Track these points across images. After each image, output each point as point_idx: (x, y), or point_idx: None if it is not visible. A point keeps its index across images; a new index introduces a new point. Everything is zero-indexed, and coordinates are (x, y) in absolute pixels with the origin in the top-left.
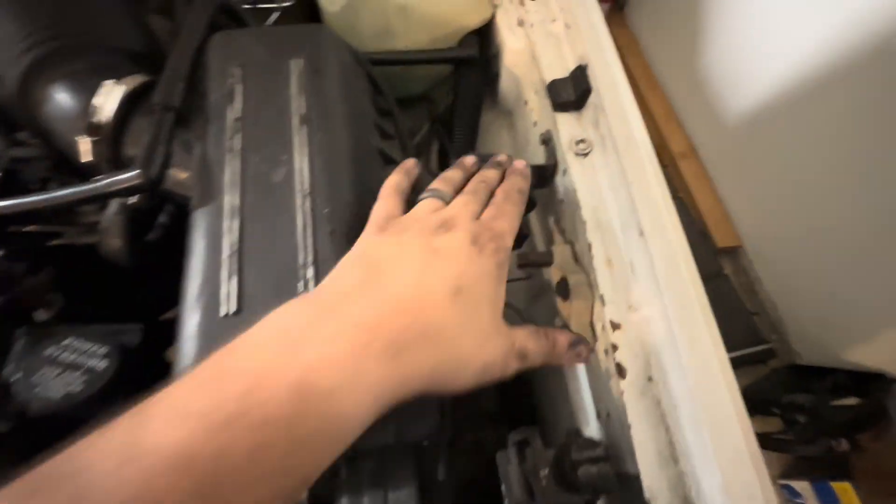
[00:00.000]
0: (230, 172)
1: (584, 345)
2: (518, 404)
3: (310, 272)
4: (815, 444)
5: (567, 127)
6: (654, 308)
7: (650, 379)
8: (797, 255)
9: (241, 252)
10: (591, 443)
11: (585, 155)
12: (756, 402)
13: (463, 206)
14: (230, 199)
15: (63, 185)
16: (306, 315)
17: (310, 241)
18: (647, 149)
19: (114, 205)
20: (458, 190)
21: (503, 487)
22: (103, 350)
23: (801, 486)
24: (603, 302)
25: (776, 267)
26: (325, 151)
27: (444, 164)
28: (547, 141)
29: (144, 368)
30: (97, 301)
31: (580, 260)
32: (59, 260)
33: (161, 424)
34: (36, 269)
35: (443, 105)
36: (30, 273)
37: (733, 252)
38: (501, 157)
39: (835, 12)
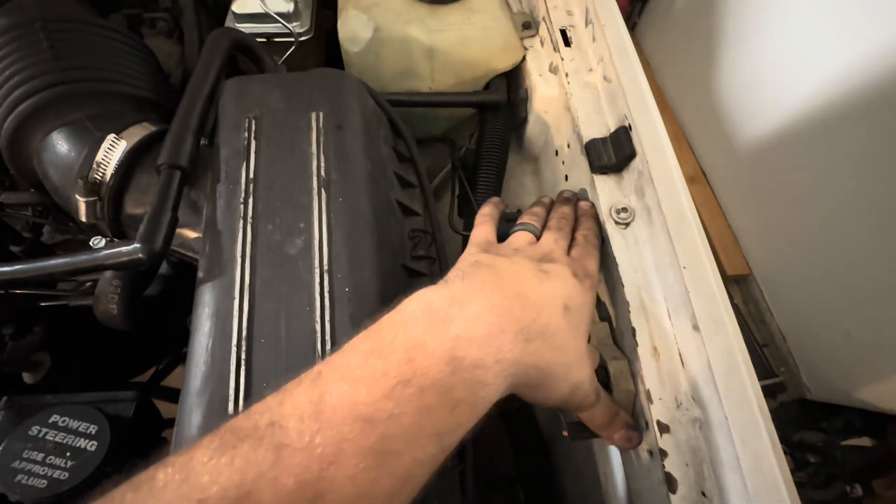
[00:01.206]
0: (241, 242)
1: (637, 433)
2: (534, 469)
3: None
4: (828, 488)
5: (606, 192)
6: (711, 412)
7: (703, 494)
8: (809, 286)
9: (250, 338)
10: None
11: (627, 225)
12: None
13: (555, 242)
14: (240, 273)
15: (56, 230)
16: (448, 297)
17: (328, 326)
18: (699, 229)
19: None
20: (544, 224)
21: None
22: (93, 429)
23: None
24: (649, 398)
25: (787, 298)
26: (346, 220)
27: (462, 209)
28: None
29: (139, 433)
30: (89, 360)
31: (619, 342)
32: (50, 320)
33: (340, 388)
34: (24, 330)
35: (464, 147)
36: (17, 335)
37: (743, 280)
38: (567, 193)
39: (859, 42)
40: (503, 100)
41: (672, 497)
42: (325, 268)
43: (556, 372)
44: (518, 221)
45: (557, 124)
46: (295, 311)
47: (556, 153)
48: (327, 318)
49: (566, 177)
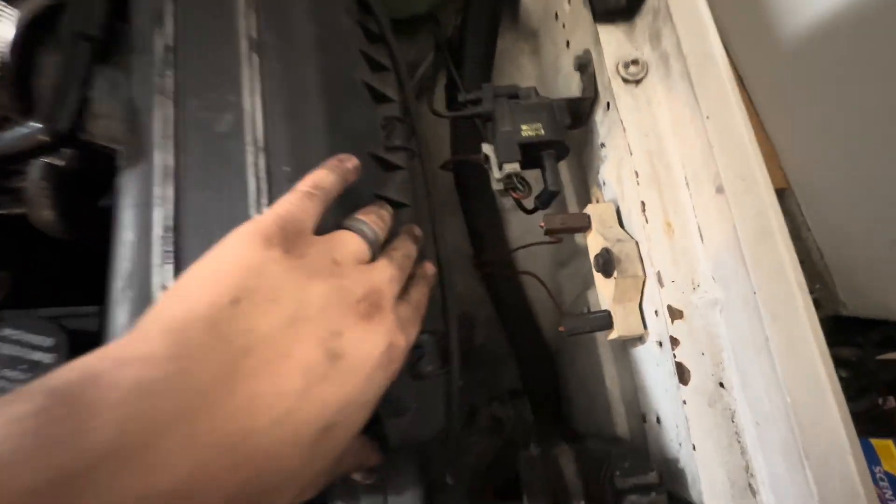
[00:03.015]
0: (162, 121)
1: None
2: (540, 379)
3: None
4: (859, 400)
5: (613, 44)
6: (736, 289)
7: (721, 385)
8: (852, 197)
9: (177, 228)
10: (641, 465)
11: (638, 82)
12: None
13: (389, 281)
14: (162, 157)
15: None
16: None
17: (265, 210)
18: (727, 69)
19: (36, 168)
20: (386, 237)
21: (525, 498)
22: (48, 342)
23: None
24: (660, 281)
25: (827, 211)
26: (285, 89)
27: (452, 101)
28: (584, 66)
29: None
30: (54, 279)
31: (627, 223)
32: None
33: None
34: None
35: (452, 28)
36: None
37: (780, 195)
38: (418, 232)
39: None
40: None
41: (683, 389)
42: (260, 145)
43: None
44: (358, 217)
45: None
46: (227, 196)
47: (556, 16)
48: (265, 202)
49: (567, 43)
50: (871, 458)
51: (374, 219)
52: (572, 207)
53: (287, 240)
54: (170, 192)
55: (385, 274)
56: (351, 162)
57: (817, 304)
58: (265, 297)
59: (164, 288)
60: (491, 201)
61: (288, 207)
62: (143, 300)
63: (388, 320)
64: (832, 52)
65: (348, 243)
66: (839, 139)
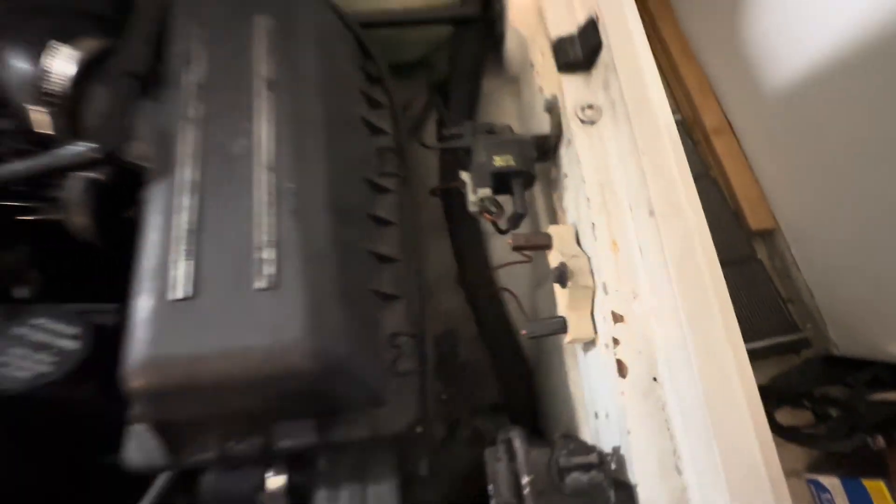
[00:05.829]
0: (186, 143)
1: None
2: (518, 394)
3: (267, 253)
4: (848, 439)
5: (573, 91)
6: (664, 299)
7: (655, 379)
8: (839, 238)
9: (197, 231)
10: (584, 447)
11: (593, 122)
12: (786, 393)
13: None
14: (185, 172)
15: None
16: None
17: (267, 219)
18: (664, 112)
19: (76, 180)
20: None
21: (490, 487)
22: (74, 330)
23: (830, 481)
24: (605, 290)
25: (815, 251)
26: (293, 120)
27: (440, 136)
28: (552, 108)
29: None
30: (79, 279)
31: (583, 242)
32: (34, 236)
33: None
34: (8, 245)
35: (443, 71)
36: (1, 249)
37: (769, 235)
38: None
39: None
40: (476, 13)
41: (621, 381)
42: (270, 165)
43: None
44: None
45: (533, 35)
46: (238, 208)
47: (532, 66)
48: (267, 212)
49: (540, 88)
50: (864, 499)
51: None
52: (544, 229)
53: None
54: (187, 201)
55: None
56: None
57: (807, 342)
58: None
59: (181, 280)
60: (474, 225)
61: None
62: (162, 290)
63: None
64: (816, 98)
65: None
66: (824, 181)
